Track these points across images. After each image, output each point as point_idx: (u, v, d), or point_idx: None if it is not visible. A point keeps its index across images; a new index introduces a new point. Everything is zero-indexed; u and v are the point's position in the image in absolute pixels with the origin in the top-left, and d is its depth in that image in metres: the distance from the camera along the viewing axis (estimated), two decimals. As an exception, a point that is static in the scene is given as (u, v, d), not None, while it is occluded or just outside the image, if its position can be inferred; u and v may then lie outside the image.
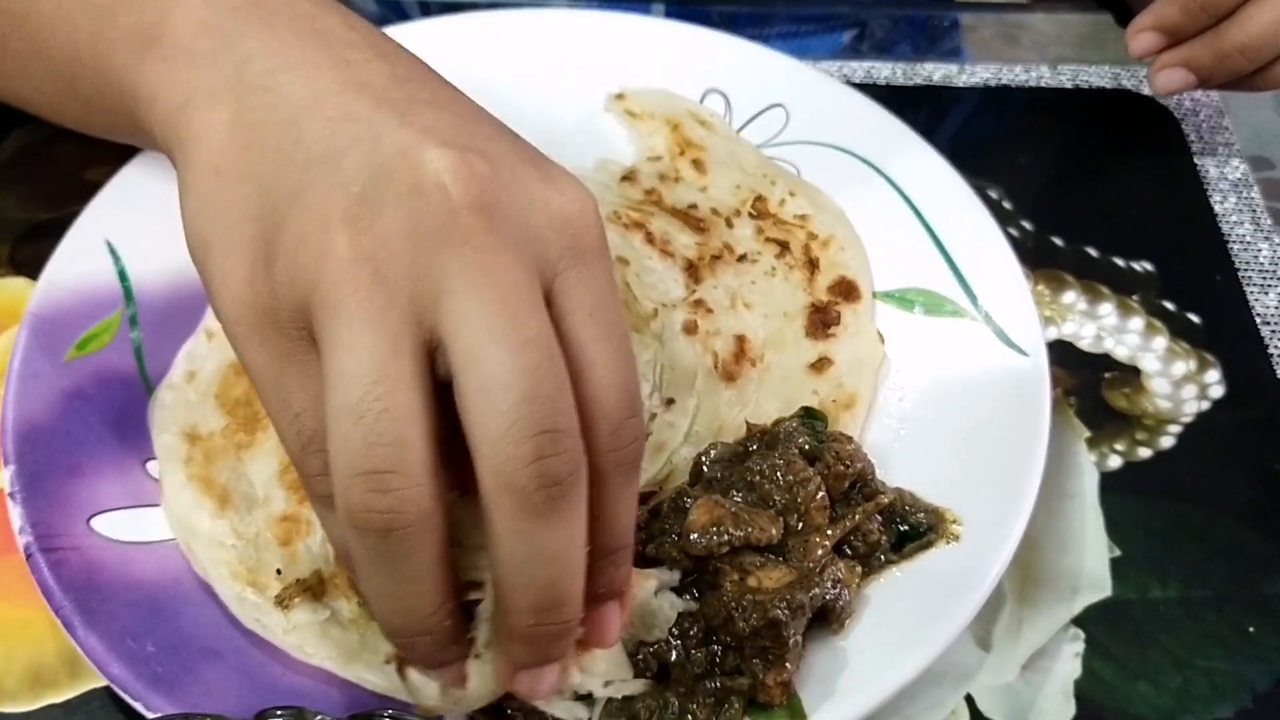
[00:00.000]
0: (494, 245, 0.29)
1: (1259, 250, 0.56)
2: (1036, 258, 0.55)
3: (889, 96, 0.57)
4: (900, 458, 0.44)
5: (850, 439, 0.43)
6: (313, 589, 0.41)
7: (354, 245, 0.29)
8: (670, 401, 0.47)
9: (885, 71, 0.63)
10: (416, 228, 0.29)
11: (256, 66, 0.34)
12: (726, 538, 0.37)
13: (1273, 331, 0.52)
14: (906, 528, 0.42)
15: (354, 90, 0.32)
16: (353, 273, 0.29)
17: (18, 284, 0.52)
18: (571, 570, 0.31)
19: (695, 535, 0.37)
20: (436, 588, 0.31)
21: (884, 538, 0.41)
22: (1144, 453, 0.49)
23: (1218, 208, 0.57)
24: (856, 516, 0.41)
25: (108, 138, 0.44)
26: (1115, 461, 0.48)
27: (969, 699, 0.42)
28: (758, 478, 0.40)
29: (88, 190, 0.50)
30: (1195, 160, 0.60)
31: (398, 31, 0.57)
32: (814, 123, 0.56)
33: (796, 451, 0.41)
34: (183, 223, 0.34)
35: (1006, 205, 0.57)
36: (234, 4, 0.36)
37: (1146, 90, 0.62)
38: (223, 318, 0.32)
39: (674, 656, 0.37)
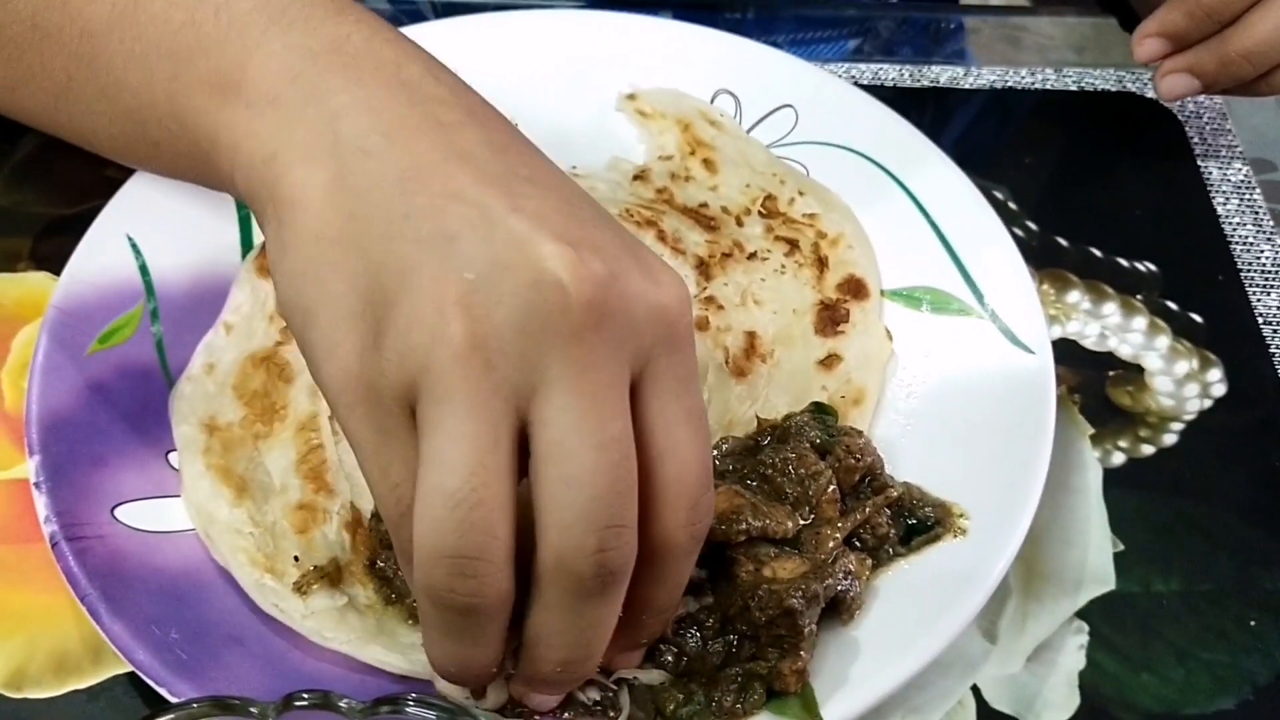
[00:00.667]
0: (599, 343, 0.31)
1: (1261, 251, 0.56)
2: (1041, 257, 0.56)
3: (896, 98, 0.58)
4: (908, 453, 0.45)
5: (860, 433, 0.43)
6: (330, 576, 0.41)
7: (469, 332, 0.30)
8: (682, 396, 0.48)
9: (893, 74, 0.64)
10: (530, 321, 0.30)
11: (350, 125, 0.33)
12: (745, 526, 0.38)
13: (1274, 331, 0.53)
14: (914, 521, 0.43)
15: (455, 162, 0.32)
16: (466, 359, 0.30)
17: (39, 278, 0.52)
18: (602, 637, 0.34)
19: (714, 522, 0.38)
20: (497, 649, 0.34)
21: (893, 531, 0.42)
22: (1147, 450, 0.49)
23: (1220, 209, 0.58)
24: (866, 510, 0.41)
25: (177, 179, 0.43)
26: (1119, 458, 0.49)
27: (975, 689, 0.43)
28: (770, 470, 0.41)
29: (108, 186, 0.51)
30: (1198, 162, 0.60)
31: (413, 32, 0.58)
32: (823, 123, 0.57)
33: (808, 445, 0.42)
34: (276, 285, 0.34)
35: (1012, 206, 0.58)
36: (315, 49, 0.35)
37: (1150, 93, 0.63)
38: (327, 387, 0.32)
39: (691, 646, 0.38)
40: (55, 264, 0.50)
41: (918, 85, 0.64)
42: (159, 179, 0.51)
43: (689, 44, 0.59)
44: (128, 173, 0.51)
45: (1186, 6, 0.53)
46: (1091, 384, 0.51)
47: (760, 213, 0.54)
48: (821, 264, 0.52)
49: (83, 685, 0.41)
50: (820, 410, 0.45)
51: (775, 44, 0.60)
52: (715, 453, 0.43)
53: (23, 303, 0.51)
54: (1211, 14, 0.53)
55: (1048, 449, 0.44)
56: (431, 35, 0.58)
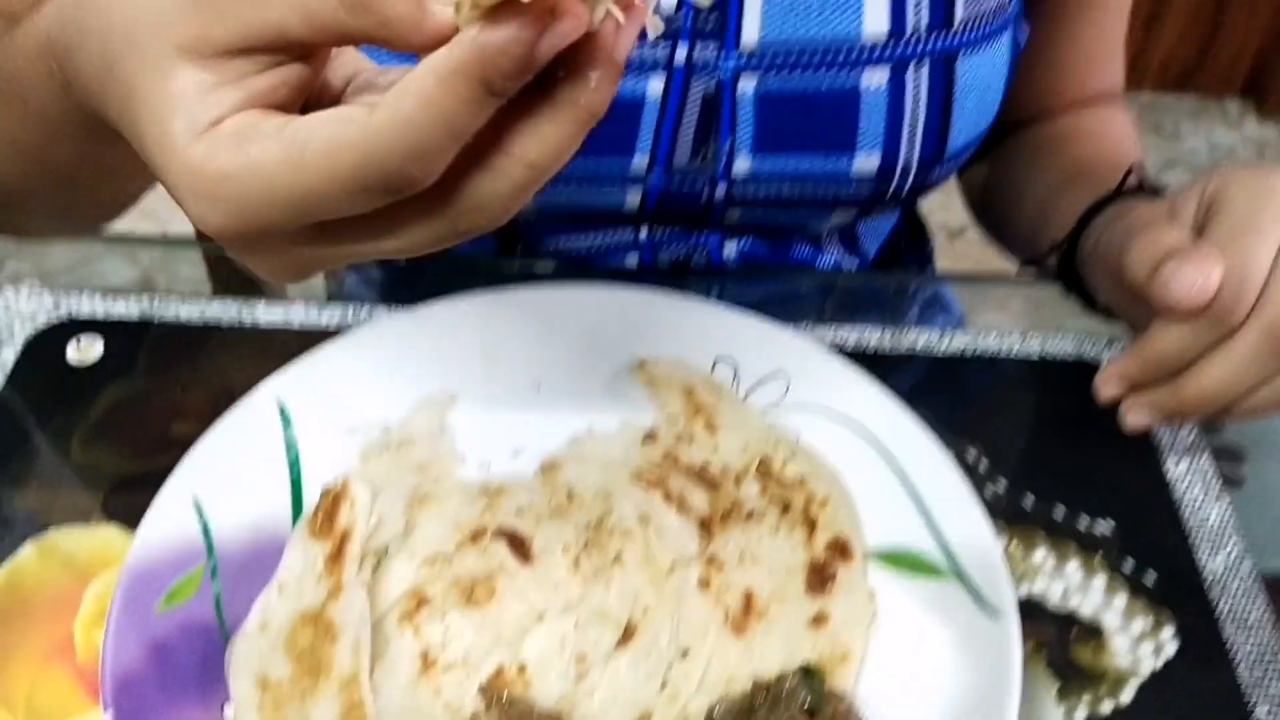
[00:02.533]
0: None
1: (1208, 514, 0.62)
2: (1011, 514, 0.62)
3: (877, 361, 0.64)
4: (888, 715, 0.50)
5: (843, 698, 0.48)
6: (371, 830, 0.46)
7: None
8: (685, 653, 0.53)
9: (874, 338, 0.71)
10: None
11: None
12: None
13: (1221, 591, 0.59)
14: (895, 781, 0.47)
15: None
16: None
17: (109, 531, 0.58)
18: None
19: (712, 800, 0.43)
20: None
21: (875, 791, 0.47)
22: (1106, 708, 0.54)
23: (1170, 471, 0.65)
24: (851, 773, 0.46)
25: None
26: (1081, 715, 0.54)
27: None
28: (764, 737, 0.46)
29: (172, 443, 0.57)
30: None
31: (454, 306, 0.65)
32: (812, 390, 0.63)
33: (798, 709, 0.47)
34: None
35: (983, 466, 0.64)
36: None
37: (1105, 359, 0.70)
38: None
39: None
40: (125, 517, 0.55)
41: (897, 350, 0.71)
42: (224, 442, 0.57)
43: (692, 316, 0.67)
44: (192, 430, 0.57)
45: (1141, 358, 0.58)
46: (1056, 642, 0.57)
47: (756, 474, 0.61)
48: (811, 525, 0.58)
49: None
50: (809, 674, 0.50)
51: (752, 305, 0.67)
52: (713, 714, 0.48)
53: (95, 555, 0.57)
54: (1163, 366, 0.57)
55: (1014, 713, 0.49)
56: (463, 311, 0.65)
